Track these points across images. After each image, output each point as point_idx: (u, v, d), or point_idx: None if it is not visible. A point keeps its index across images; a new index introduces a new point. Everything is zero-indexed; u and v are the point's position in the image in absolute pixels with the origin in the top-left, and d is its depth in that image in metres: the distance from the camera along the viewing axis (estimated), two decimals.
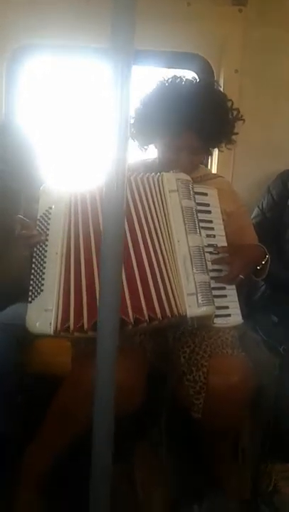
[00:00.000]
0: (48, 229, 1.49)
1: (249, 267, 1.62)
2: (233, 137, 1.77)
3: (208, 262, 1.51)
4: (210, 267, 1.51)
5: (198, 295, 1.42)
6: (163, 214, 1.49)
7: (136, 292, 1.38)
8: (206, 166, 2.41)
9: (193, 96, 1.64)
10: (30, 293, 1.44)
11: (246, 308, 2.05)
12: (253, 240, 1.79)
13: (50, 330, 1.37)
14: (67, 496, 1.53)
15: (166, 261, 1.45)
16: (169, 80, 1.68)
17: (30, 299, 1.44)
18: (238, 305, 1.54)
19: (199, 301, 1.41)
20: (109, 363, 0.90)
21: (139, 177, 1.55)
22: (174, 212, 1.49)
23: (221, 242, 1.58)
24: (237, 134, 1.80)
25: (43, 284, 1.43)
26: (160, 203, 1.51)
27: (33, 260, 1.48)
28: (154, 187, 1.53)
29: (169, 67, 1.82)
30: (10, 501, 1.52)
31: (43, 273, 1.44)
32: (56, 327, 1.37)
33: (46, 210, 1.52)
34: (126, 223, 1.40)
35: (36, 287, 1.44)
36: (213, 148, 1.81)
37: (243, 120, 1.79)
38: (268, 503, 1.68)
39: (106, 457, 0.94)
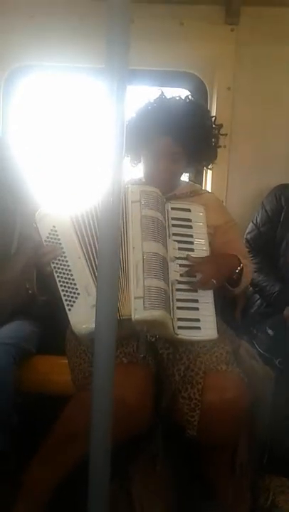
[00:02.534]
0: (60, 243, 1.53)
1: (221, 273, 1.62)
2: (226, 154, 1.83)
3: (175, 272, 1.53)
4: (179, 278, 1.53)
5: (146, 299, 1.42)
6: (124, 223, 1.51)
7: None
8: (200, 182, 2.44)
9: (172, 106, 1.76)
10: (66, 303, 1.47)
11: (242, 322, 2.08)
12: (240, 252, 1.79)
13: None
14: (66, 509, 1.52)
15: (119, 267, 1.44)
16: (154, 95, 1.79)
17: (68, 308, 1.47)
18: (212, 319, 1.54)
19: (146, 304, 1.42)
20: (107, 371, 0.91)
21: None
22: (133, 221, 1.52)
23: (201, 255, 1.59)
24: (220, 146, 1.88)
25: (77, 289, 1.47)
26: (123, 213, 1.52)
27: (57, 275, 1.51)
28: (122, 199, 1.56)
29: (163, 86, 1.85)
30: None
31: (73, 279, 1.49)
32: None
33: (51, 230, 1.56)
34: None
35: (70, 294, 1.48)
36: (195, 158, 1.83)
37: (226, 134, 1.89)
38: None
39: (103, 472, 0.94)
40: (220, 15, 2.32)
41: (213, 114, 2.32)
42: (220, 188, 2.42)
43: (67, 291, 1.49)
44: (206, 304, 1.55)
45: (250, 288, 2.20)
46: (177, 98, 1.80)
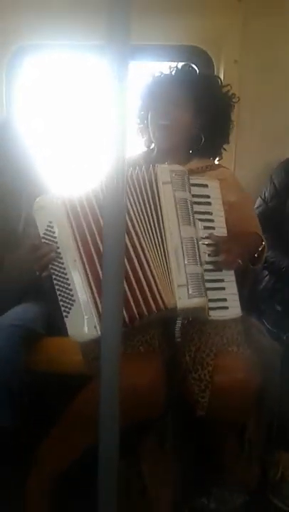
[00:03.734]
0: (56, 242, 1.46)
1: (246, 253, 1.59)
2: (233, 128, 1.79)
3: (204, 254, 1.49)
4: (207, 258, 1.50)
5: (189, 286, 1.40)
6: (155, 207, 1.47)
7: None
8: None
9: (180, 76, 1.76)
10: (62, 308, 1.43)
11: (250, 299, 2.07)
12: (255, 229, 1.75)
13: (97, 332, 1.36)
14: (76, 489, 1.55)
15: (156, 254, 1.43)
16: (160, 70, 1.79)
17: (65, 314, 1.43)
18: (237, 297, 1.52)
19: (190, 292, 1.40)
20: (114, 358, 0.90)
21: (134, 172, 1.53)
22: (167, 204, 1.46)
23: (221, 233, 1.55)
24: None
25: (72, 295, 1.42)
26: (154, 195, 1.48)
27: (54, 276, 1.46)
28: (148, 180, 1.50)
29: (168, 61, 1.82)
30: (18, 496, 1.54)
31: (68, 284, 1.43)
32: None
33: (47, 226, 1.48)
34: None
35: (67, 300, 1.43)
36: (210, 127, 1.78)
37: (238, 99, 1.85)
38: (276, 492, 1.69)
39: (112, 451, 0.95)
40: None
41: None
42: (228, 162, 2.37)
43: (63, 296, 1.44)
44: (230, 283, 1.52)
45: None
46: (188, 69, 1.81)
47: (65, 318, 1.43)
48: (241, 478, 1.68)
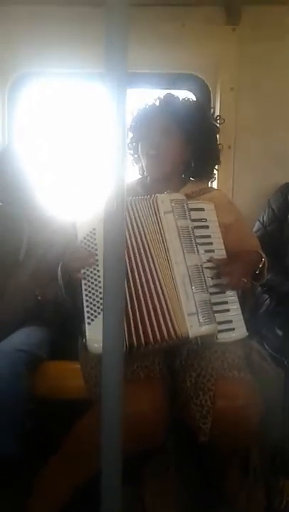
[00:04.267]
0: (96, 249, 1.48)
1: (247, 272, 1.60)
2: (231, 154, 1.84)
3: (208, 279, 1.51)
4: (210, 282, 1.51)
5: (200, 314, 1.42)
6: (159, 236, 1.50)
7: (134, 318, 1.41)
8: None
9: (169, 104, 1.82)
10: (87, 314, 1.43)
11: (252, 323, 2.06)
12: (255, 247, 1.77)
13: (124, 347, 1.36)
14: None
15: (165, 284, 1.46)
16: (152, 99, 1.85)
17: (88, 320, 1.42)
18: (241, 318, 1.53)
19: (200, 320, 1.42)
20: (116, 385, 0.90)
21: (134, 200, 1.57)
22: (170, 233, 1.50)
23: (220, 255, 1.57)
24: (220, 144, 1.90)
25: (102, 304, 1.42)
26: (156, 225, 1.52)
27: (85, 282, 1.46)
28: (149, 209, 1.54)
29: (166, 89, 1.86)
30: None
31: (100, 293, 1.42)
32: (126, 344, 1.38)
33: (90, 232, 1.50)
34: None
35: (94, 308, 1.43)
36: (199, 152, 1.83)
37: (224, 120, 1.95)
38: None
39: (115, 480, 0.93)
40: (221, 15, 2.32)
41: (217, 114, 2.33)
42: (225, 188, 2.40)
43: (91, 303, 1.44)
44: (234, 304, 1.54)
45: (259, 288, 2.18)
46: (167, 96, 1.85)
47: (87, 325, 1.42)
48: (245, 506, 1.65)
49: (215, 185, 2.42)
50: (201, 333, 1.42)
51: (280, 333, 1.96)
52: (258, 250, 1.71)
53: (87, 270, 1.46)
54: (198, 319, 1.42)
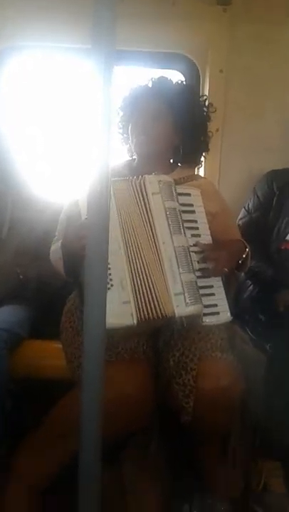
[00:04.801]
0: None
1: (232, 260, 1.64)
2: (218, 138, 1.83)
3: (194, 262, 1.52)
4: (196, 266, 1.53)
5: (186, 294, 1.44)
6: (146, 217, 1.50)
7: None
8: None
9: (161, 86, 1.80)
10: None
11: (234, 308, 2.07)
12: (238, 237, 1.80)
13: (132, 321, 1.39)
14: (57, 504, 1.52)
15: (152, 263, 1.46)
16: (141, 79, 1.83)
17: None
18: (226, 302, 1.55)
19: (187, 300, 1.43)
20: (97, 365, 0.89)
21: (120, 181, 1.56)
22: (158, 214, 1.51)
23: (207, 240, 1.59)
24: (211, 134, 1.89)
25: (111, 280, 1.42)
26: (143, 206, 1.52)
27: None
28: (137, 190, 1.54)
29: (154, 68, 1.83)
30: None
31: (109, 268, 1.40)
32: (138, 317, 1.40)
33: None
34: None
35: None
36: (188, 136, 1.82)
37: (214, 110, 1.91)
38: (258, 501, 1.69)
39: (95, 460, 0.93)
40: None
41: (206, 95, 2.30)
42: (212, 172, 2.39)
43: None
44: (219, 289, 1.56)
45: (242, 273, 2.19)
46: (168, 79, 1.82)
47: None
48: (224, 486, 1.67)
49: (202, 169, 2.42)
50: (187, 313, 1.43)
51: (262, 318, 1.98)
52: (242, 240, 1.73)
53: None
54: (185, 299, 1.43)
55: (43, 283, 1.87)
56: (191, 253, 1.51)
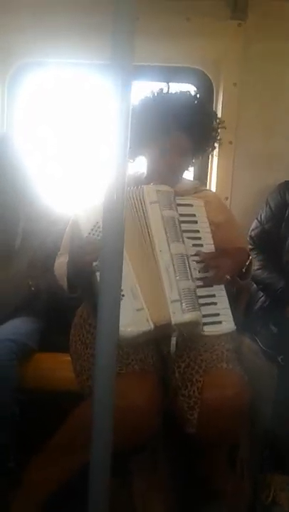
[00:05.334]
0: None
1: (234, 268, 1.63)
2: (231, 150, 1.83)
3: (194, 270, 1.52)
4: (197, 275, 1.53)
5: (183, 301, 1.44)
6: (145, 225, 1.52)
7: None
8: (205, 178, 2.44)
9: (183, 101, 1.76)
10: None
11: (245, 319, 2.07)
12: (243, 246, 1.80)
13: (150, 326, 1.40)
14: (66, 509, 1.52)
15: (149, 271, 1.47)
16: (157, 90, 1.79)
17: None
18: (229, 312, 1.55)
19: (183, 307, 1.43)
20: (108, 374, 0.90)
21: None
22: (156, 223, 1.52)
23: (209, 250, 1.59)
24: (220, 139, 1.90)
25: (122, 290, 1.42)
26: (141, 215, 1.53)
27: (98, 273, 1.46)
28: (135, 200, 1.55)
29: (169, 82, 1.84)
30: None
31: None
32: (154, 320, 1.41)
33: (94, 226, 1.51)
34: None
35: None
36: (199, 153, 1.85)
37: (224, 127, 1.91)
38: None
39: (104, 472, 0.94)
40: (227, 10, 2.29)
41: (219, 110, 2.33)
42: (225, 184, 2.41)
43: None
44: (221, 298, 1.56)
45: (254, 285, 2.19)
46: (179, 93, 1.80)
47: None
48: (232, 499, 1.66)
49: (214, 180, 2.43)
50: (184, 320, 1.43)
51: (274, 329, 1.97)
52: (245, 248, 1.74)
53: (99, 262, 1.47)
54: (181, 306, 1.43)
55: (53, 295, 1.88)
56: (191, 261, 1.52)
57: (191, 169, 2.00)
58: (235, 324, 1.76)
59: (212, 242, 1.61)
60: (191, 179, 2.04)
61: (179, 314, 1.42)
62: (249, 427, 1.64)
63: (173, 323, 1.42)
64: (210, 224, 1.64)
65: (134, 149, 1.81)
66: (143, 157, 1.82)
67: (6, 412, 1.63)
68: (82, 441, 1.34)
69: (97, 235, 1.50)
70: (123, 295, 1.42)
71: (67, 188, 2.44)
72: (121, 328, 1.38)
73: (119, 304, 0.90)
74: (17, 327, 1.81)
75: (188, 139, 1.73)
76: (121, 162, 0.83)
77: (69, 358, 1.70)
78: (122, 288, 1.39)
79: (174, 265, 1.47)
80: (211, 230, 1.63)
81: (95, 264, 1.45)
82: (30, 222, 1.98)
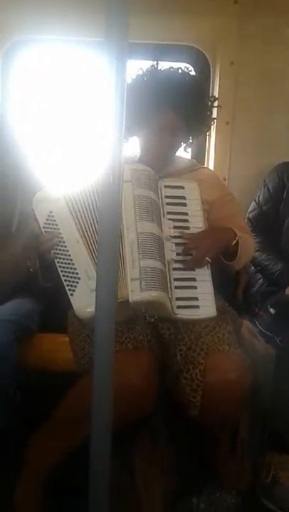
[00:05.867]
0: (58, 228, 1.51)
1: (215, 248, 1.59)
2: (228, 130, 1.81)
3: (171, 252, 1.51)
4: (175, 257, 1.52)
5: (142, 280, 1.41)
6: None
7: None
8: (202, 159, 2.42)
9: (174, 79, 1.72)
10: (68, 287, 1.46)
11: (244, 301, 2.08)
12: (240, 227, 1.74)
13: None
14: (67, 490, 1.53)
15: None
16: (148, 68, 1.75)
17: (70, 293, 1.46)
18: (211, 297, 1.52)
19: (142, 285, 1.41)
20: (107, 350, 0.90)
21: None
22: (126, 201, 1.50)
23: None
24: (214, 119, 1.87)
25: (77, 273, 1.46)
26: None
27: (58, 261, 1.50)
28: None
29: (164, 60, 1.81)
30: (10, 496, 1.52)
31: (73, 263, 1.47)
32: None
33: (48, 216, 1.54)
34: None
35: (71, 279, 1.46)
36: (193, 133, 1.81)
37: (220, 106, 1.90)
38: (267, 494, 1.69)
39: (105, 451, 0.94)
40: None
41: (216, 89, 2.30)
42: (222, 165, 2.39)
43: (68, 276, 1.47)
44: (203, 282, 1.53)
45: (252, 267, 2.19)
46: (172, 70, 1.75)
47: (71, 297, 1.46)
48: (232, 479, 1.68)
49: (212, 161, 2.42)
50: (142, 299, 1.41)
51: (272, 311, 1.97)
52: (232, 229, 1.67)
53: (56, 248, 1.50)
54: (140, 284, 1.41)
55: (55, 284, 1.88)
56: (170, 243, 1.52)
57: (189, 150, 1.95)
58: (234, 307, 1.77)
59: (202, 226, 1.59)
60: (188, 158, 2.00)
61: (137, 292, 1.40)
62: (249, 408, 1.65)
63: (130, 300, 1.40)
64: (204, 203, 1.62)
65: (127, 129, 1.77)
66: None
67: (7, 393, 1.63)
68: (81, 417, 1.32)
69: (52, 223, 1.53)
70: (79, 278, 1.44)
71: (62, 168, 2.42)
72: (80, 310, 1.43)
73: (117, 284, 0.90)
74: (16, 308, 1.81)
75: (180, 117, 1.70)
76: (116, 143, 0.81)
77: (68, 339, 1.71)
78: (76, 271, 1.44)
79: (138, 243, 1.45)
80: (205, 209, 1.62)
81: (52, 251, 1.49)
82: (27, 204, 1.96)
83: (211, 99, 1.85)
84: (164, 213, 1.56)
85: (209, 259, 1.54)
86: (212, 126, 1.90)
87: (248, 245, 1.73)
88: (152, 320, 1.55)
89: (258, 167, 2.39)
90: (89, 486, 0.95)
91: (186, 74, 1.76)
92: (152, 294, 1.42)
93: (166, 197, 1.57)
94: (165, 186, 1.58)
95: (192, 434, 1.66)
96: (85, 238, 1.48)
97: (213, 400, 1.44)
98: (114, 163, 0.81)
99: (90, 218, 1.50)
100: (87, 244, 1.48)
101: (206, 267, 1.56)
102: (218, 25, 2.29)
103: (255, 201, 2.28)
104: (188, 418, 1.49)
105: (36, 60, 2.48)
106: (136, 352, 1.50)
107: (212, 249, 1.56)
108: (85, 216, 1.51)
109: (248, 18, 2.29)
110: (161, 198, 1.57)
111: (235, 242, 1.63)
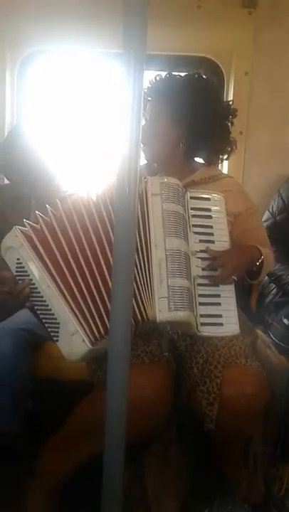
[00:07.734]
0: (28, 275, 1.42)
1: (241, 268, 1.57)
2: (242, 140, 1.80)
3: (197, 268, 1.47)
4: (200, 273, 1.48)
5: (170, 299, 1.37)
6: (143, 218, 1.45)
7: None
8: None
9: (173, 81, 1.76)
10: (52, 334, 1.39)
11: (257, 311, 2.06)
12: (261, 241, 1.74)
13: (87, 346, 1.32)
14: (79, 500, 1.53)
15: (141, 266, 1.40)
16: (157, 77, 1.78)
17: (55, 339, 1.38)
18: (234, 314, 1.49)
19: (170, 305, 1.36)
20: (122, 368, 0.90)
21: None
22: (154, 216, 1.44)
23: (222, 247, 1.54)
24: (232, 138, 1.80)
25: (55, 318, 1.38)
26: (143, 207, 1.46)
27: (36, 308, 1.43)
28: (139, 192, 1.47)
29: (179, 71, 1.81)
30: (20, 505, 1.52)
31: (49, 309, 1.39)
32: (90, 339, 1.33)
33: (16, 264, 1.45)
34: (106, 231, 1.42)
35: (52, 325, 1.39)
36: (209, 144, 1.78)
37: (236, 110, 1.81)
38: (279, 506, 1.67)
39: (117, 462, 0.94)
40: None
41: (230, 99, 2.30)
42: (236, 175, 2.39)
43: (48, 322, 1.40)
44: (227, 299, 1.50)
45: (266, 277, 2.18)
46: (178, 77, 1.78)
47: (57, 342, 1.38)
48: (245, 491, 1.66)
49: (225, 170, 2.41)
50: (170, 319, 1.36)
51: (286, 322, 1.96)
52: (258, 247, 1.65)
53: (32, 296, 1.42)
54: (168, 304, 1.36)
55: None
56: (195, 258, 1.47)
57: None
58: (247, 317, 1.75)
59: (227, 240, 1.55)
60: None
61: (165, 312, 1.36)
62: (263, 420, 1.63)
63: (158, 320, 1.36)
64: (229, 215, 1.59)
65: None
66: None
67: (19, 400, 1.64)
68: (93, 429, 1.29)
69: (22, 271, 1.44)
70: (58, 323, 1.37)
71: (78, 177, 2.43)
72: (68, 354, 1.36)
73: (132, 297, 0.89)
74: (29, 317, 1.81)
75: (162, 104, 1.72)
76: (132, 153, 0.82)
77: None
78: (54, 316, 1.36)
79: (166, 261, 1.40)
80: (230, 221, 1.59)
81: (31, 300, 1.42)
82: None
83: (224, 104, 1.81)
84: (189, 226, 1.51)
85: (235, 278, 1.52)
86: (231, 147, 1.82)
87: (270, 261, 1.71)
88: (175, 336, 1.51)
89: (272, 177, 2.39)
90: (101, 497, 0.95)
91: (193, 77, 1.78)
92: (180, 314, 1.38)
93: (192, 209, 1.52)
94: (191, 198, 1.53)
95: (205, 446, 1.65)
96: (58, 279, 1.39)
97: (229, 413, 1.42)
98: (130, 175, 0.81)
99: (68, 247, 1.42)
100: (60, 285, 1.38)
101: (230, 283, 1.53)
102: (232, 36, 2.31)
103: (269, 211, 2.27)
104: (203, 431, 1.48)
105: (52, 72, 2.51)
106: (152, 366, 1.49)
107: (239, 269, 1.54)
108: (55, 250, 1.42)
109: (263, 29, 2.30)
110: (187, 210, 1.52)
111: (260, 262, 1.62)
